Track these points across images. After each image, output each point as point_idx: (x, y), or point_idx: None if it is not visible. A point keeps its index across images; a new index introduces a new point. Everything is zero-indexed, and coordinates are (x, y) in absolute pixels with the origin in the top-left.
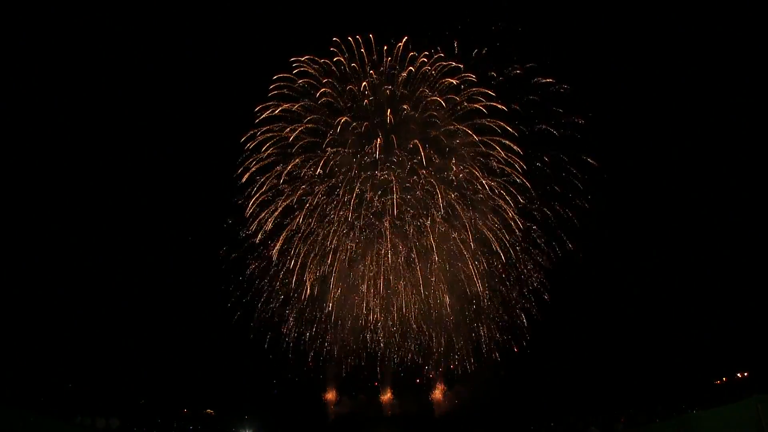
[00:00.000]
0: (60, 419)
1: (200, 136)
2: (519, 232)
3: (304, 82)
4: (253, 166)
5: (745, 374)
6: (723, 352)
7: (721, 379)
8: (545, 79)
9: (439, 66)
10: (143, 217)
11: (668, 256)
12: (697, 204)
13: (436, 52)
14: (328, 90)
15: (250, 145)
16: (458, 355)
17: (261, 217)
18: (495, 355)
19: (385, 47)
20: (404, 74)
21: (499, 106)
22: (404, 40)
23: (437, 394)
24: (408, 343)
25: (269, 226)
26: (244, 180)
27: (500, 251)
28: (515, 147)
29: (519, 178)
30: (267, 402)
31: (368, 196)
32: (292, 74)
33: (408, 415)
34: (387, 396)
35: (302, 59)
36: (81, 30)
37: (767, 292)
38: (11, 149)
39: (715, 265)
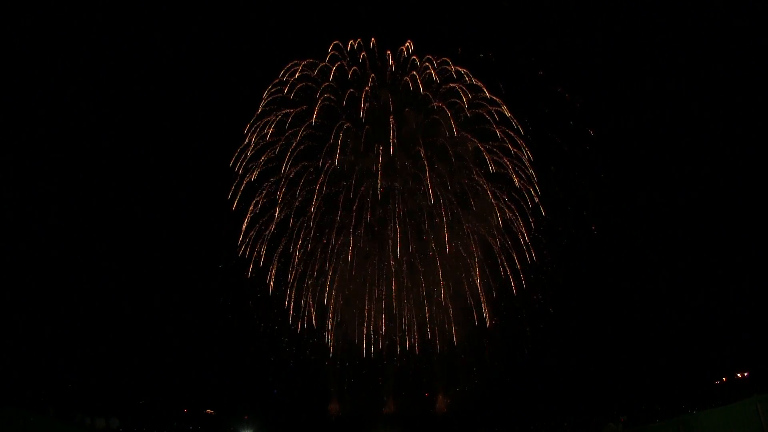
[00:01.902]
0: (60, 419)
1: (197, 138)
2: (525, 242)
3: (303, 86)
4: (248, 176)
5: (745, 374)
6: (723, 352)
7: (721, 379)
8: (556, 88)
9: (443, 70)
10: (143, 220)
11: (669, 258)
12: (697, 206)
13: (441, 56)
14: (329, 95)
15: (248, 152)
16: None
17: (259, 223)
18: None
19: (388, 52)
20: (407, 78)
21: (506, 112)
22: (408, 44)
23: (440, 403)
24: (411, 353)
25: (267, 235)
26: (239, 195)
27: (506, 264)
28: (520, 154)
29: (525, 186)
30: (267, 402)
31: (369, 204)
32: (292, 78)
33: (409, 415)
34: (389, 408)
35: (302, 63)
36: (70, 49)
37: (767, 292)
38: (10, 151)
39: (715, 266)
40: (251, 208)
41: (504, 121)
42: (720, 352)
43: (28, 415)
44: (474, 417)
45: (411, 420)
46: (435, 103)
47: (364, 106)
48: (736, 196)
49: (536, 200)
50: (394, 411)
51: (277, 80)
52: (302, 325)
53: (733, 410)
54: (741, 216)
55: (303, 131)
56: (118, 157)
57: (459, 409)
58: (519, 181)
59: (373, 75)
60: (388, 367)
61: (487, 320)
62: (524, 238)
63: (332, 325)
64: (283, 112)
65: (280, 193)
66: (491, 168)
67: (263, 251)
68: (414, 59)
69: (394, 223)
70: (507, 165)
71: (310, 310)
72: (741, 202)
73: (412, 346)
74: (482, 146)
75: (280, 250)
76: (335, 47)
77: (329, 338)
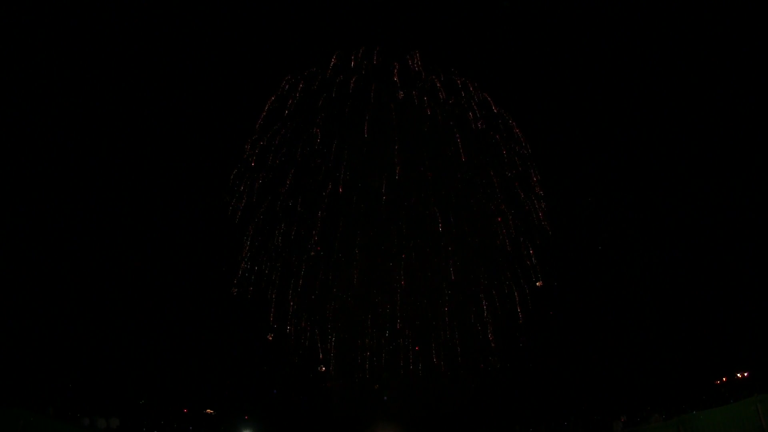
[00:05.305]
0: (59, 419)
1: (195, 152)
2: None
3: (305, 98)
4: (246, 196)
5: (745, 374)
6: (723, 352)
7: (721, 379)
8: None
9: (450, 81)
10: (141, 219)
11: (668, 256)
12: (697, 205)
13: (448, 66)
14: (331, 108)
15: (248, 168)
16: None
17: (257, 243)
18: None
19: (396, 64)
20: (415, 92)
21: (514, 126)
22: (414, 54)
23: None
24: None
25: (267, 260)
26: (239, 213)
27: (513, 285)
28: (528, 168)
29: (532, 203)
30: (267, 402)
31: (372, 225)
32: (294, 91)
33: (410, 414)
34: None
35: (304, 74)
36: (68, 64)
37: (767, 292)
38: (9, 151)
39: (714, 265)
40: (251, 226)
41: (511, 135)
42: (720, 352)
43: (28, 415)
44: (474, 417)
45: (412, 419)
46: (441, 118)
47: (367, 119)
48: (737, 196)
49: (542, 220)
50: (395, 410)
51: (277, 93)
52: (304, 344)
53: (733, 410)
54: (741, 215)
55: (304, 147)
56: (117, 162)
57: (460, 409)
58: (527, 202)
59: (377, 87)
60: (390, 382)
61: (491, 339)
62: (530, 258)
63: (332, 354)
64: (284, 126)
65: (280, 214)
66: (494, 181)
67: (265, 271)
68: (419, 70)
69: (399, 244)
70: (515, 183)
71: (314, 335)
72: (741, 202)
73: (416, 364)
74: (489, 164)
75: (279, 273)
76: (338, 57)
77: (330, 358)
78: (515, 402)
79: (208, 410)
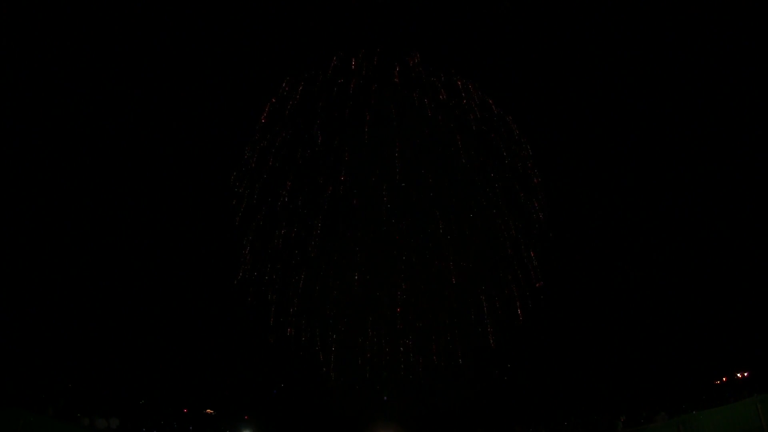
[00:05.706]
0: (59, 419)
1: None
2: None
3: (304, 100)
4: (246, 199)
5: (745, 374)
6: (723, 352)
7: (721, 379)
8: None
9: (450, 82)
10: (142, 220)
11: (667, 255)
12: (698, 202)
13: (449, 67)
14: (331, 111)
15: (248, 172)
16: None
17: (256, 246)
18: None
19: (398, 68)
20: (415, 94)
21: (515, 130)
22: (414, 55)
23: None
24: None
25: (267, 264)
26: (240, 214)
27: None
28: (530, 172)
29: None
30: (267, 402)
31: (373, 229)
32: (294, 93)
33: (411, 414)
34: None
35: (304, 76)
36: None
37: (767, 292)
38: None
39: (714, 265)
40: (252, 228)
41: (511, 137)
42: (720, 352)
43: (28, 415)
44: (474, 417)
45: (412, 419)
46: (441, 119)
47: (368, 121)
48: (737, 196)
49: (542, 221)
50: (395, 410)
51: (277, 95)
52: (304, 345)
53: (733, 410)
54: (741, 215)
55: (305, 149)
56: (116, 163)
57: (460, 409)
58: (528, 203)
59: (378, 89)
60: (390, 382)
61: (491, 340)
62: (531, 260)
63: (333, 355)
64: (285, 128)
65: (280, 216)
66: (496, 184)
67: (265, 273)
68: (420, 71)
69: (399, 246)
70: (515, 184)
71: (314, 335)
72: (741, 202)
73: (416, 364)
74: (489, 165)
75: (279, 274)
76: (339, 59)
77: (330, 358)
78: (515, 402)
79: (208, 410)
